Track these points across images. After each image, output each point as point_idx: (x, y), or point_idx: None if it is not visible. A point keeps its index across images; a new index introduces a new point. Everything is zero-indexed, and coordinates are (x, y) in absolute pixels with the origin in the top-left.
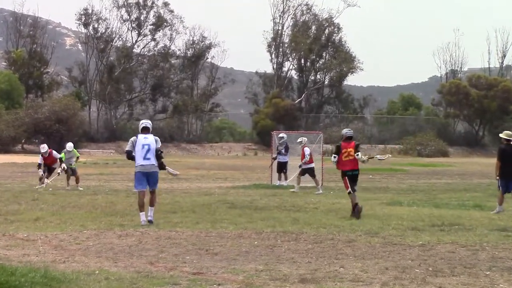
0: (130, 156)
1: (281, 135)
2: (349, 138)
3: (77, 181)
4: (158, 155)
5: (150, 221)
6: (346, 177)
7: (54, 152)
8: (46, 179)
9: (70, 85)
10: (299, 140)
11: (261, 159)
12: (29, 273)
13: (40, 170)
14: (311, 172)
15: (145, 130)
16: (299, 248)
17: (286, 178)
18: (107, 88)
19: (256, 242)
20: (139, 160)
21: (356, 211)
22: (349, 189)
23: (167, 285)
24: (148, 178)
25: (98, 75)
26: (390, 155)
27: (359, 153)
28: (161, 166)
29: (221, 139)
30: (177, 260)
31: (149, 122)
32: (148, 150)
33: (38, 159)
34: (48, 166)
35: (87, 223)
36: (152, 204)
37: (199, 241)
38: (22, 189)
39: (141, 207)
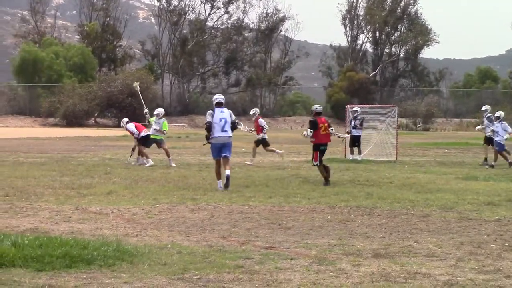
0: (210, 127)
1: (354, 108)
2: (318, 114)
3: (167, 154)
4: (234, 126)
5: (227, 178)
6: (319, 151)
7: (129, 125)
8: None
9: (143, 58)
10: (251, 113)
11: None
12: (102, 247)
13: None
14: (265, 142)
15: (220, 104)
16: (372, 223)
17: (360, 152)
18: (180, 62)
19: (329, 217)
20: (217, 133)
21: (327, 182)
22: (317, 161)
23: (240, 259)
24: (223, 147)
25: (171, 48)
26: (347, 136)
27: (333, 128)
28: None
29: (294, 113)
30: (250, 235)
31: (223, 96)
32: (225, 123)
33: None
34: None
35: (160, 197)
36: (226, 167)
37: (272, 216)
38: (95, 163)
39: (218, 175)
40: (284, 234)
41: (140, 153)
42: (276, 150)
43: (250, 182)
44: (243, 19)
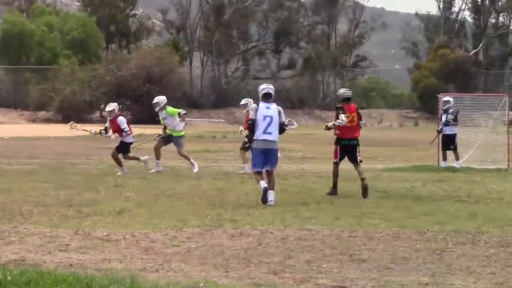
0: (254, 127)
1: (445, 98)
2: (347, 100)
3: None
4: (283, 129)
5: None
6: (340, 147)
7: (120, 118)
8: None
9: (165, 31)
10: (243, 103)
11: (424, 131)
12: (111, 285)
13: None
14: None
15: (267, 97)
16: (477, 254)
17: (457, 157)
18: (214, 36)
19: (418, 245)
20: (258, 134)
21: (363, 188)
22: (336, 159)
23: None
24: (266, 156)
25: (202, 18)
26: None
27: (364, 121)
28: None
29: (368, 104)
30: (310, 269)
31: (272, 87)
32: (270, 123)
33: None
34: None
35: (188, 217)
36: (271, 187)
37: (340, 243)
38: (101, 172)
39: (261, 178)
40: (356, 269)
41: (117, 161)
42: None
43: (309, 198)
44: None
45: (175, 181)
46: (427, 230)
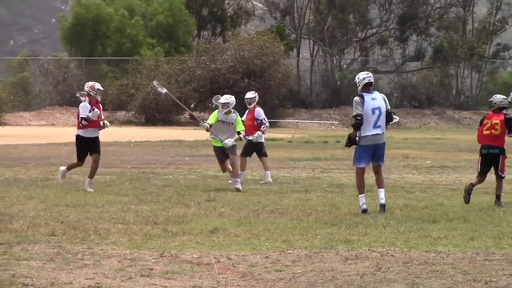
0: (361, 124)
1: None
2: (500, 109)
3: (233, 168)
4: (390, 118)
5: (382, 206)
6: (481, 157)
7: (259, 109)
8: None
9: (268, 16)
10: (250, 96)
11: None
12: None
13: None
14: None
15: (369, 86)
16: None
17: None
18: (326, 21)
19: None
20: (368, 130)
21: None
22: (478, 170)
23: None
24: (374, 151)
25: (312, 0)
26: None
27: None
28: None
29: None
30: None
31: (371, 74)
32: (379, 116)
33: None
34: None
35: (294, 237)
36: (381, 185)
37: (474, 268)
38: (191, 183)
39: (362, 187)
40: None
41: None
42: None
43: (439, 214)
44: None
45: (278, 194)
46: None
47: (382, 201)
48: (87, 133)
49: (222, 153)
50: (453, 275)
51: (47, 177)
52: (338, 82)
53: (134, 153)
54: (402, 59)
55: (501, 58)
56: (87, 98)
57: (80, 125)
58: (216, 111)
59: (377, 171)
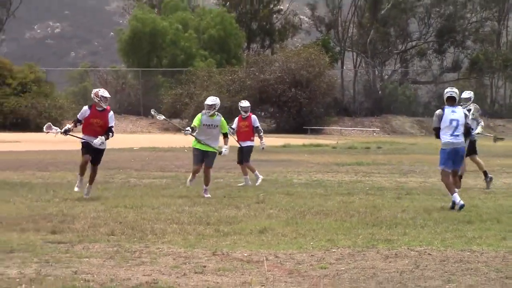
0: (439, 134)
1: None
2: None
3: (206, 182)
4: (468, 133)
5: (460, 206)
6: None
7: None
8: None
9: (314, 29)
10: (245, 105)
11: None
12: None
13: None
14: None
15: (452, 100)
16: None
17: None
18: (369, 34)
19: None
20: (446, 137)
21: None
22: None
23: None
24: (454, 156)
25: (356, 14)
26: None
27: None
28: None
29: None
30: None
31: (456, 90)
32: (457, 127)
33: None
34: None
35: (338, 237)
36: (457, 184)
37: (507, 266)
38: (242, 187)
39: (451, 188)
40: None
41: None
42: (257, 174)
43: (473, 216)
44: None
45: (323, 196)
46: None
47: (458, 201)
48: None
49: (201, 157)
50: (487, 273)
51: (106, 180)
52: (380, 92)
53: (188, 158)
54: (440, 70)
55: None
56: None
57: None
58: (200, 114)
59: (455, 175)
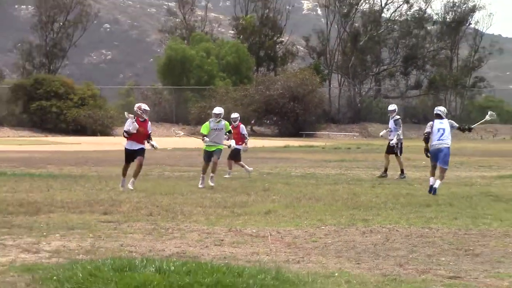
0: (428, 138)
1: None
2: None
3: (213, 170)
4: (463, 130)
5: (434, 189)
6: None
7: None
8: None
9: (307, 56)
10: (234, 116)
11: None
12: (259, 274)
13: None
14: (238, 154)
15: (438, 116)
16: None
17: None
18: (350, 60)
19: None
20: (434, 142)
21: None
22: None
23: None
24: (438, 155)
25: (340, 44)
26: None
27: None
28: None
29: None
30: (431, 262)
31: (441, 109)
32: (443, 133)
33: (271, 142)
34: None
35: (326, 217)
36: (439, 178)
37: (457, 240)
38: (252, 178)
39: (431, 176)
40: (471, 262)
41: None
42: (246, 166)
43: (431, 200)
44: (426, 9)
45: (315, 185)
46: None
47: (435, 186)
48: (131, 146)
49: (210, 157)
50: (442, 245)
51: (146, 173)
52: (359, 105)
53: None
54: (405, 88)
55: (477, 87)
56: (132, 118)
57: (125, 136)
58: (208, 122)
59: (440, 170)
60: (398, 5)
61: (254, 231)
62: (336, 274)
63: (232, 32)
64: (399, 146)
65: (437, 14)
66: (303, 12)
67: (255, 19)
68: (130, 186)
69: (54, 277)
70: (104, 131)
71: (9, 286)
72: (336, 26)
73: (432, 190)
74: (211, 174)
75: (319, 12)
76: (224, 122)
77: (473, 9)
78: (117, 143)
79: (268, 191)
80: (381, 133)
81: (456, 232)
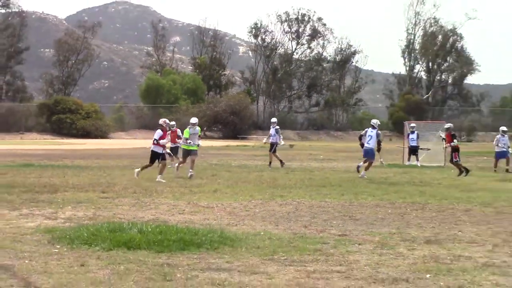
0: (360, 139)
1: (412, 124)
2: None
3: (191, 167)
4: (379, 143)
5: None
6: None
7: (179, 130)
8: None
9: (242, 84)
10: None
11: (395, 143)
12: (209, 234)
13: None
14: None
15: (371, 126)
16: (425, 216)
17: (417, 159)
18: (271, 87)
19: (389, 211)
20: (365, 143)
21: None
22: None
23: (318, 244)
24: (366, 153)
25: (265, 76)
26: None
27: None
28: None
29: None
30: (326, 224)
31: (373, 121)
32: (370, 139)
33: (217, 143)
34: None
35: (255, 194)
36: (365, 168)
37: (344, 209)
38: (204, 167)
39: (362, 166)
40: (353, 224)
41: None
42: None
43: (326, 183)
44: (322, 53)
45: (248, 173)
46: (395, 201)
47: (362, 174)
48: (157, 149)
49: (188, 154)
50: (333, 213)
51: (131, 165)
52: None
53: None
54: (309, 106)
55: (357, 105)
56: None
57: (154, 142)
58: (187, 128)
59: (366, 161)
60: (304, 50)
61: (206, 204)
62: (262, 233)
63: (191, 67)
64: (275, 146)
65: (330, 55)
66: (239, 54)
67: (207, 59)
68: (161, 179)
69: (67, 236)
70: (103, 136)
71: (36, 242)
72: (262, 64)
73: (358, 169)
74: (190, 170)
75: (250, 54)
76: (198, 128)
77: (354, 52)
78: (112, 144)
79: (215, 176)
80: (264, 140)
81: (343, 204)
